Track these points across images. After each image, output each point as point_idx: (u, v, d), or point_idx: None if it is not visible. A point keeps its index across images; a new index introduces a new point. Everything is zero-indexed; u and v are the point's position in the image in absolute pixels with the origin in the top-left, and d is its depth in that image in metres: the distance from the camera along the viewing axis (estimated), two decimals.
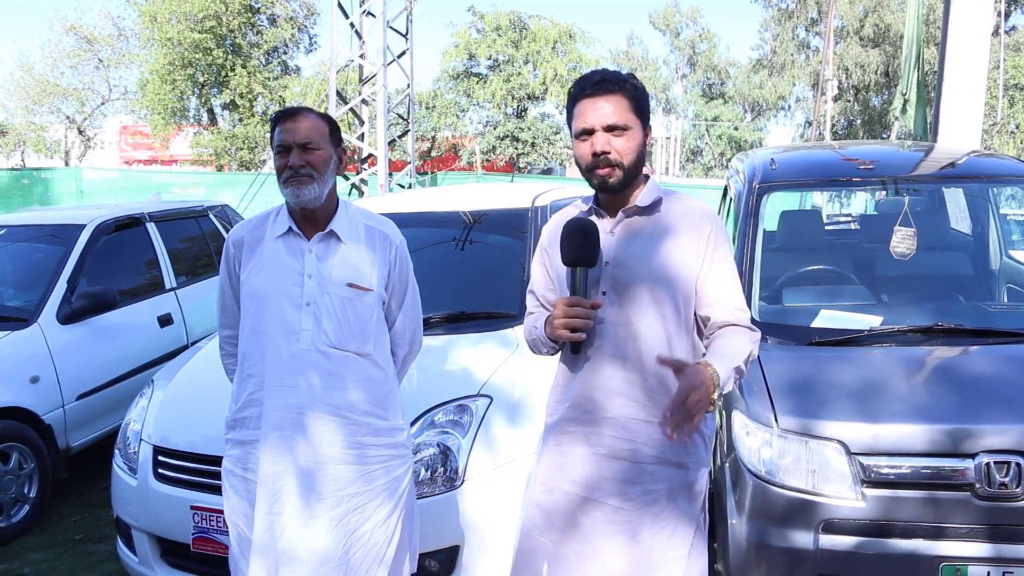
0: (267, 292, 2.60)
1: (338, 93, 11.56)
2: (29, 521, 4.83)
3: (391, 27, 11.48)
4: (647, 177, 2.42)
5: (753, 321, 3.68)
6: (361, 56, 11.54)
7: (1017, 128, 26.25)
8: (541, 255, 2.58)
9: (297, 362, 2.57)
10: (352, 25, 11.67)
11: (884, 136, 34.59)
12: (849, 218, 7.84)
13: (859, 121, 38.04)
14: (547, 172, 28.32)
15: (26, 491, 4.85)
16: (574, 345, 2.34)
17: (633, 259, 2.34)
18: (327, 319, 2.58)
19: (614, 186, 2.33)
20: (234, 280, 2.72)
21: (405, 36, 11.87)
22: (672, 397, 2.09)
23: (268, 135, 2.80)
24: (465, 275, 4.64)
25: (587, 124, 2.30)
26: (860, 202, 8.73)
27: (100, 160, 30.83)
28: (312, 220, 2.65)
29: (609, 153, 2.29)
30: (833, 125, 34.38)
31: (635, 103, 2.32)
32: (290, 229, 2.64)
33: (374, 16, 11.38)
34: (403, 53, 12.00)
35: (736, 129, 44.06)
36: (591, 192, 2.49)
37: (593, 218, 2.41)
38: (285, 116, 2.62)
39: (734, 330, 2.30)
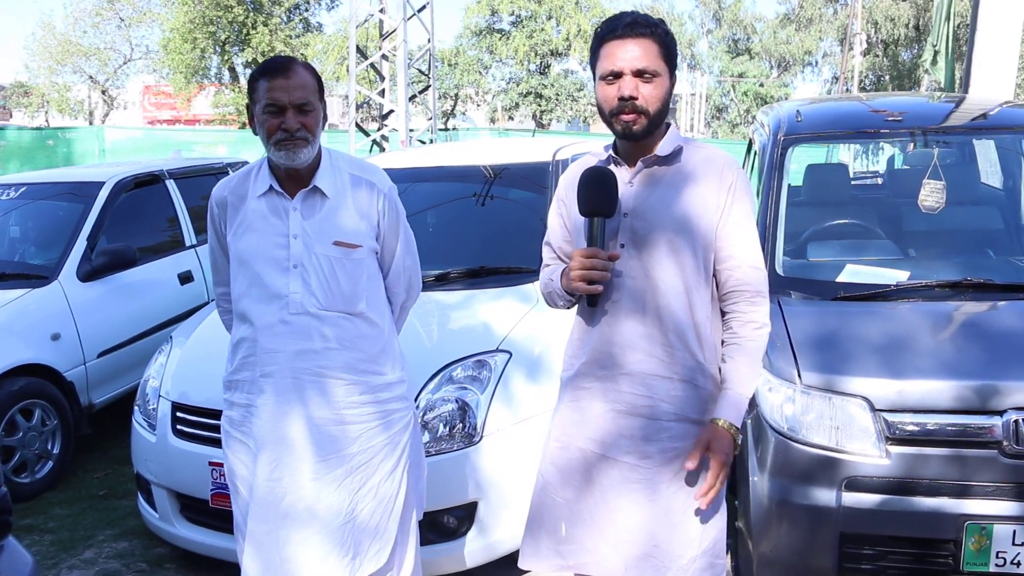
0: (252, 255, 2.52)
1: (358, 49, 11.42)
2: (53, 477, 4.87)
3: None
4: (668, 125, 2.32)
5: (777, 276, 3.65)
6: (381, 11, 11.39)
7: None
8: (558, 205, 2.50)
9: (289, 327, 2.49)
10: None
11: (914, 91, 34.04)
12: (875, 175, 7.71)
13: (888, 76, 37.37)
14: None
15: (50, 447, 4.88)
16: (590, 298, 2.28)
17: (652, 210, 2.26)
18: (315, 281, 2.50)
19: (638, 133, 2.23)
20: (222, 240, 2.63)
21: None
22: (708, 480, 2.21)
23: (249, 85, 2.60)
24: (485, 230, 4.59)
25: (615, 67, 2.20)
26: (887, 156, 8.59)
27: (123, 120, 30.96)
28: (296, 177, 2.53)
29: (636, 99, 2.19)
30: (861, 80, 33.79)
31: (665, 49, 2.22)
32: (271, 187, 2.52)
33: None
34: (423, 7, 11.79)
35: (762, 86, 43.35)
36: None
37: (611, 167, 2.32)
38: (276, 71, 2.44)
39: (742, 349, 2.28)
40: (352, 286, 2.55)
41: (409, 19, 11.19)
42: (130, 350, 5.43)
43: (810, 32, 41.14)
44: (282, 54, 25.68)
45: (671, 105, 2.33)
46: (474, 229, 4.62)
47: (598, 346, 2.33)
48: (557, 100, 30.10)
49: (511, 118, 30.70)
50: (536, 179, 4.60)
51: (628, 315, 2.28)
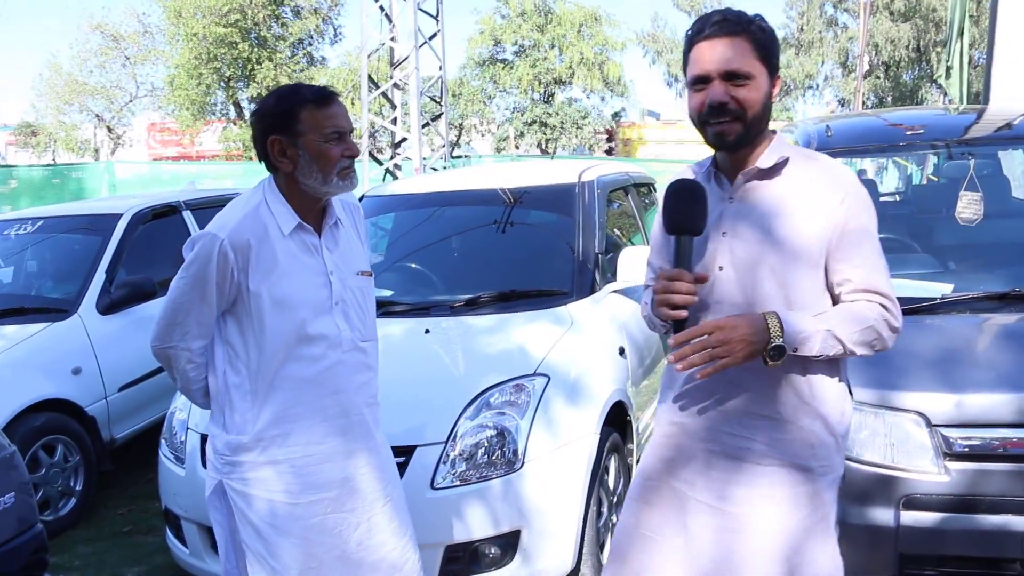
0: (296, 300, 2.35)
1: (369, 78, 11.44)
2: (76, 514, 4.77)
3: (421, 9, 11.35)
4: (774, 133, 2.10)
5: None
6: (392, 39, 11.41)
7: None
8: (658, 224, 2.28)
9: (342, 366, 2.42)
10: (382, 8, 11.51)
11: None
12: (893, 193, 7.66)
13: (890, 98, 37.43)
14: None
15: (72, 484, 4.79)
16: (676, 324, 2.03)
17: (753, 230, 2.02)
18: (355, 314, 2.45)
19: (731, 143, 2.01)
20: (226, 289, 2.33)
21: (436, 18, 11.71)
22: (688, 331, 1.95)
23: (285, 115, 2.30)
24: (513, 253, 4.52)
25: (702, 70, 1.99)
26: (901, 173, 8.59)
27: (129, 158, 31.00)
28: (317, 212, 2.42)
29: (727, 104, 1.97)
30: (864, 102, 33.84)
31: (760, 47, 1.99)
32: (299, 224, 2.37)
33: None
34: (434, 35, 11.84)
35: None
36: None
37: (712, 183, 2.11)
38: (330, 98, 2.34)
39: (855, 302, 2.01)
40: (373, 313, 2.55)
41: (421, 47, 11.22)
42: (151, 384, 5.33)
43: (810, 56, 41.28)
44: None
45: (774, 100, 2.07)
46: (501, 252, 4.55)
47: (691, 378, 2.11)
48: (562, 128, 30.17)
49: (517, 147, 30.75)
50: (563, 201, 4.55)
51: None
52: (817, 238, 1.99)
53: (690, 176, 2.17)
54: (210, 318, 2.38)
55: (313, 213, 2.41)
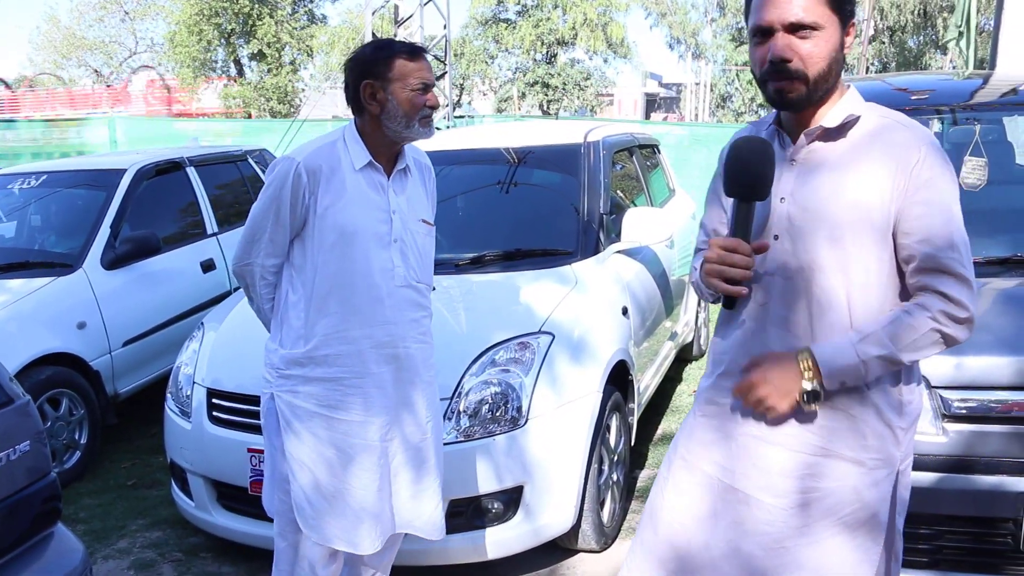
0: (358, 228, 2.54)
1: (374, 36, 11.40)
2: (81, 467, 4.82)
3: None
4: (848, 87, 1.87)
5: None
6: None
7: None
8: (716, 183, 2.08)
9: (393, 299, 2.60)
10: None
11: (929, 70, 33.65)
12: None
13: (894, 64, 37.15)
14: None
15: (77, 437, 4.82)
16: (727, 299, 1.90)
17: (814, 197, 1.82)
18: (412, 255, 2.65)
19: (794, 102, 1.81)
20: (298, 209, 2.53)
21: None
22: (739, 384, 1.90)
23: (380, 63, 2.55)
24: (519, 212, 4.53)
25: (763, 21, 1.77)
26: None
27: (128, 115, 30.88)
28: (390, 155, 2.64)
29: (789, 61, 1.76)
30: (868, 68, 33.57)
31: None
32: (370, 162, 2.59)
33: None
34: None
35: None
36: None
37: (774, 143, 1.91)
38: (420, 53, 2.61)
39: (908, 306, 1.82)
40: (431, 261, 2.75)
41: (426, 5, 11.15)
42: (154, 339, 5.37)
43: None
44: (288, 46, 25.77)
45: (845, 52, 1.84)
46: (506, 212, 4.55)
47: (737, 356, 1.96)
48: (564, 89, 30.00)
49: (519, 108, 30.59)
50: (568, 161, 4.55)
51: (775, 323, 1.90)
52: (881, 206, 1.79)
53: (754, 133, 1.97)
54: (283, 238, 2.59)
55: (385, 156, 2.62)
